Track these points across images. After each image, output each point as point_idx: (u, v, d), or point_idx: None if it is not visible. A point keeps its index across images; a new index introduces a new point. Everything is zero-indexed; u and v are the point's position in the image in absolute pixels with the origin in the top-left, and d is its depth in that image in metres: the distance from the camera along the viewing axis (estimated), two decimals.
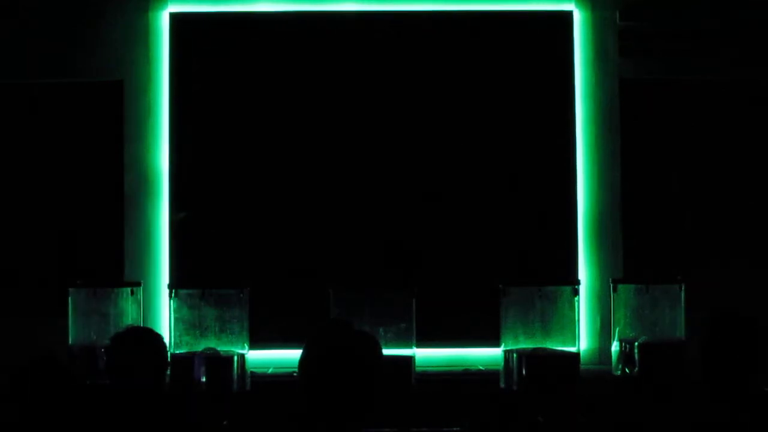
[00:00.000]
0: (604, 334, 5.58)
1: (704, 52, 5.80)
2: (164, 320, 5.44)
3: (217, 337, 5.13)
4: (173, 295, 5.17)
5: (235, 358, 5.02)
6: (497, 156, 5.81)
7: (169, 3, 5.78)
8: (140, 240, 5.73)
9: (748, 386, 3.29)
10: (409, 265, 5.69)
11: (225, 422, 4.64)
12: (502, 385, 5.10)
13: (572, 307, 5.22)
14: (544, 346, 5.14)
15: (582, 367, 5.17)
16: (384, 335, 5.05)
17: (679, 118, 5.85)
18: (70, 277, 5.28)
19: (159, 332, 3.80)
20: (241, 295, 5.13)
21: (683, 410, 3.38)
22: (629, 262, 5.75)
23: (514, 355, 5.05)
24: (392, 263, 5.71)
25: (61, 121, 5.80)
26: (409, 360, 5.06)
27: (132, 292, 5.22)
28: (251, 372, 5.12)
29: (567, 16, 5.84)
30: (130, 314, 5.16)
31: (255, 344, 5.20)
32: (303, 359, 2.66)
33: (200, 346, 5.09)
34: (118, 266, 5.68)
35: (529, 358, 4.99)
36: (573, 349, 5.15)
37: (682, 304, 5.16)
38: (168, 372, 3.96)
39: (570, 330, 5.20)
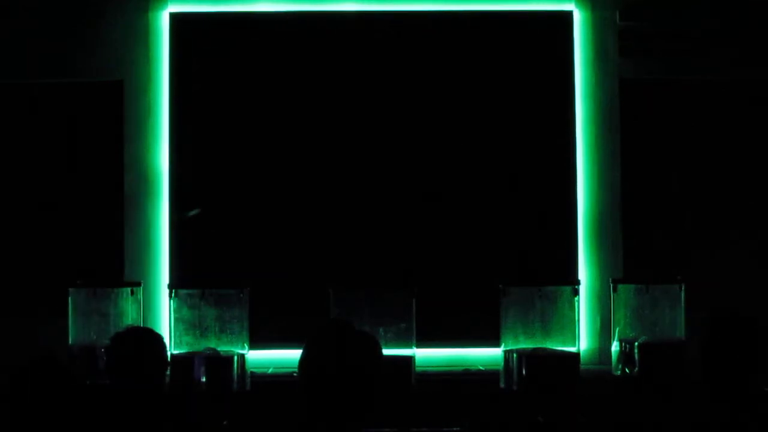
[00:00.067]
0: (604, 334, 5.58)
1: (704, 52, 5.80)
2: (164, 320, 5.44)
3: (217, 337, 5.13)
4: (173, 295, 5.17)
5: (235, 358, 5.02)
6: (497, 156, 5.81)
7: (169, 3, 5.78)
8: (140, 240, 5.73)
9: (748, 386, 3.29)
10: (409, 265, 5.69)
11: (225, 422, 4.64)
12: (502, 385, 5.10)
13: (572, 307, 5.22)
14: (544, 346, 5.14)
15: (582, 367, 5.17)
16: (384, 335, 5.05)
17: (679, 118, 5.85)
18: (70, 277, 5.28)
19: (159, 332, 3.81)
20: (241, 295, 5.13)
21: (683, 410, 3.38)
22: (629, 262, 5.75)
23: (514, 355, 5.05)
24: (392, 263, 5.70)
25: (61, 121, 5.80)
26: (409, 360, 5.06)
27: (132, 292, 5.22)
28: (251, 372, 5.12)
29: (567, 16, 5.84)
30: (130, 314, 5.16)
31: (255, 344, 5.20)
32: (303, 359, 2.66)
33: (200, 346, 5.09)
34: (118, 266, 5.68)
35: (529, 358, 4.99)
36: (573, 349, 5.15)
37: (682, 304, 5.16)
38: (168, 372, 3.96)
39: (570, 330, 5.20)
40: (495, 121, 5.81)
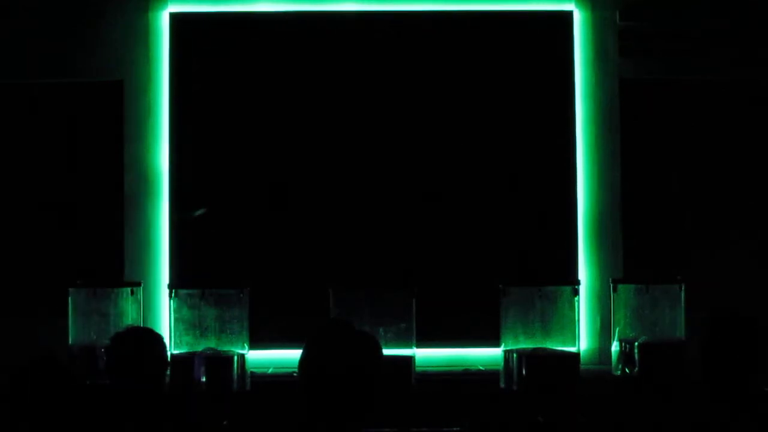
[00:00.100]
0: (604, 334, 5.58)
1: (704, 52, 5.80)
2: (164, 320, 5.43)
3: (217, 337, 5.13)
4: (173, 295, 5.17)
5: (235, 358, 5.02)
6: (497, 156, 5.81)
7: (169, 3, 5.78)
8: (140, 240, 5.73)
9: (748, 386, 3.29)
10: (409, 265, 5.69)
11: (225, 422, 4.64)
12: (502, 385, 5.10)
13: (572, 307, 5.22)
14: (544, 346, 5.14)
15: (582, 367, 5.17)
16: (384, 335, 5.05)
17: (679, 118, 5.85)
18: (70, 277, 5.28)
19: (159, 332, 3.81)
20: (241, 295, 5.13)
21: (683, 410, 3.38)
22: (629, 262, 5.75)
23: (514, 355, 5.05)
24: (392, 263, 5.70)
25: (61, 121, 5.80)
26: (409, 360, 5.06)
27: (132, 292, 5.22)
28: (251, 372, 5.12)
29: (567, 16, 5.84)
30: (130, 314, 5.16)
31: (255, 344, 5.20)
32: (303, 359, 2.66)
33: (200, 346, 5.09)
34: (118, 266, 5.68)
35: (529, 358, 4.99)
36: (573, 349, 5.14)
37: (682, 304, 5.16)
38: (168, 372, 3.96)
39: (570, 330, 5.19)
40: (495, 122, 5.81)
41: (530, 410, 4.82)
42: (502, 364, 5.12)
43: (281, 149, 5.79)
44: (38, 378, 3.35)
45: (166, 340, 3.82)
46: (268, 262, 5.72)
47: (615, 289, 5.27)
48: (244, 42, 5.81)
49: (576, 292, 5.25)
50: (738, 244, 5.78)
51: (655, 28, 5.81)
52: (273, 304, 5.57)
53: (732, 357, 3.29)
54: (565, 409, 4.80)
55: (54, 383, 3.36)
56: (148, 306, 5.45)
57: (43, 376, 3.36)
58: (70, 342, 5.13)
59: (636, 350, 5.07)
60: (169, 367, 3.91)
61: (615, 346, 5.23)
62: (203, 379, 4.94)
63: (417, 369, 5.11)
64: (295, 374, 3.94)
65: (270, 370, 5.36)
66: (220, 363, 4.99)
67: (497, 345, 5.19)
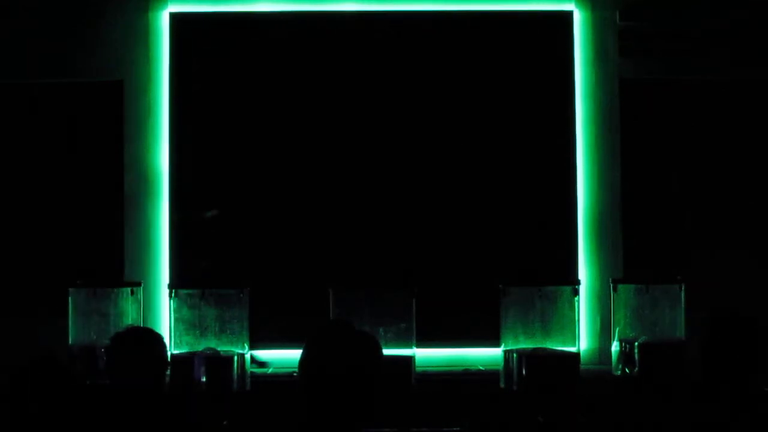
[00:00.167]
0: (604, 334, 5.58)
1: (704, 52, 5.80)
2: (164, 320, 5.44)
3: (217, 337, 5.12)
4: (173, 295, 5.17)
5: (235, 358, 5.02)
6: (497, 156, 5.81)
7: (169, 3, 5.78)
8: (140, 240, 5.73)
9: (748, 386, 3.29)
10: (409, 265, 5.69)
11: (225, 422, 4.64)
12: (502, 385, 5.10)
13: (572, 307, 5.22)
14: (544, 346, 5.14)
15: (582, 367, 5.17)
16: (384, 335, 5.05)
17: (679, 118, 5.85)
18: (70, 277, 5.27)
19: (159, 332, 3.80)
20: (241, 295, 5.13)
21: (683, 410, 3.37)
22: (629, 262, 5.75)
23: (514, 355, 5.05)
24: (392, 263, 5.70)
25: (61, 121, 5.80)
26: (409, 360, 5.06)
27: (132, 292, 5.22)
28: (251, 372, 5.12)
29: (567, 16, 5.84)
30: (130, 314, 5.16)
31: (255, 344, 5.20)
32: (303, 359, 2.65)
33: (200, 346, 5.09)
34: (118, 266, 5.68)
35: (529, 358, 4.98)
36: (573, 349, 5.14)
37: (682, 304, 5.16)
38: (168, 372, 3.96)
39: (570, 330, 5.19)
40: (495, 121, 5.81)
41: (530, 410, 4.82)
42: (502, 364, 5.12)
43: (281, 149, 5.80)
44: (38, 378, 3.34)
45: (166, 340, 3.82)
46: (268, 262, 5.72)
47: (615, 289, 5.27)
48: (244, 42, 5.81)
49: (576, 292, 5.25)
50: (738, 244, 5.78)
51: (655, 28, 5.81)
52: (273, 304, 5.57)
53: (732, 357, 3.29)
54: (565, 409, 4.80)
55: (54, 383, 3.36)
56: (148, 306, 5.45)
57: (43, 376, 3.35)
58: (70, 342, 5.13)
59: (636, 350, 5.07)
60: (169, 367, 3.90)
61: (615, 346, 5.23)
62: (203, 379, 4.94)
63: (417, 369, 5.11)
64: (295, 374, 3.94)
65: (270, 370, 5.36)
66: (220, 363, 4.99)
67: (497, 345, 5.18)
